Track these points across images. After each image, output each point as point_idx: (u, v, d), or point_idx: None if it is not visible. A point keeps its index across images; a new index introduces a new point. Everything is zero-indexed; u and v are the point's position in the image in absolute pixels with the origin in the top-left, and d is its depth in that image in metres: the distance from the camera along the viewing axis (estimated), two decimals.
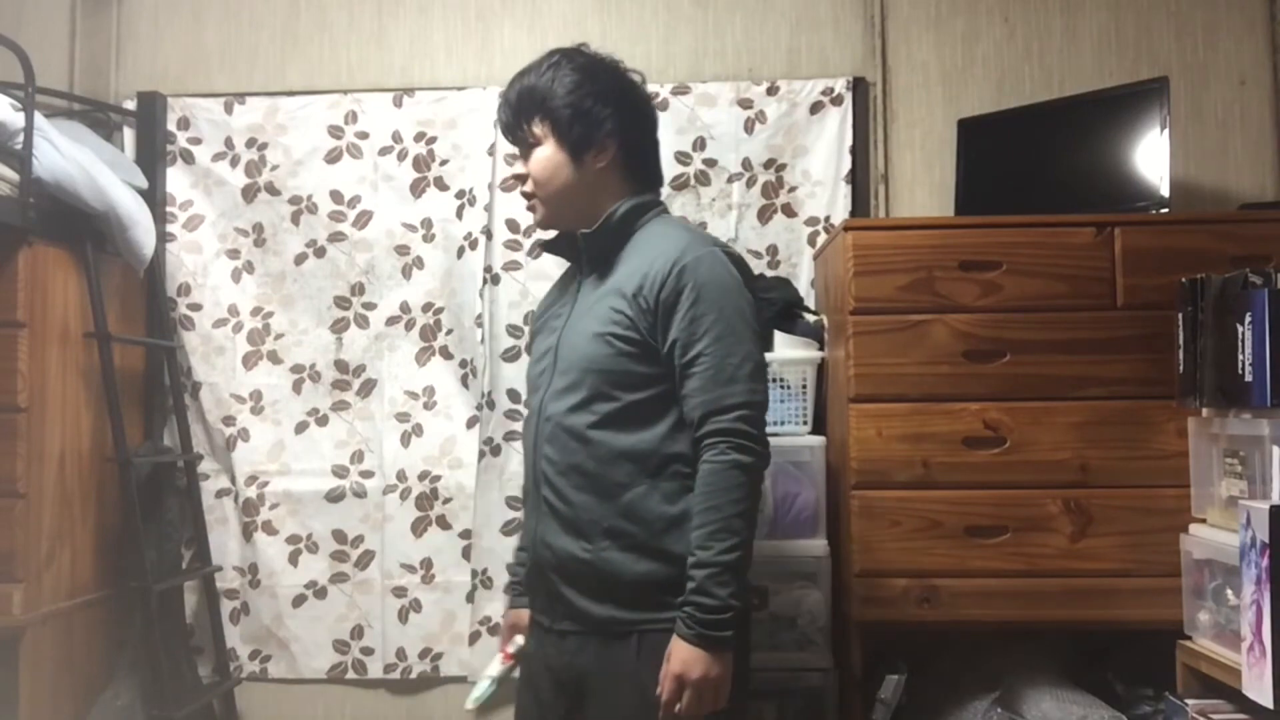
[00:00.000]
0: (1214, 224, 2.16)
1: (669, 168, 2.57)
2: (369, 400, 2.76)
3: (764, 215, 2.72)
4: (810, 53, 2.78)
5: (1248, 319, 1.82)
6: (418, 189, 2.77)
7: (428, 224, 2.76)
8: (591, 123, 1.72)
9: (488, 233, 2.72)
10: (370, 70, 2.84)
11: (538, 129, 1.75)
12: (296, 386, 2.77)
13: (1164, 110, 2.30)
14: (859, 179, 2.70)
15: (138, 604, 2.47)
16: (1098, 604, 2.10)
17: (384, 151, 2.78)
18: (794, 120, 2.72)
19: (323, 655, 2.72)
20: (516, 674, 1.88)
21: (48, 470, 2.33)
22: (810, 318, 2.49)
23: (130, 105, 2.82)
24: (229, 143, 2.80)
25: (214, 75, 2.85)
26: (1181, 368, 2.01)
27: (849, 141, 2.71)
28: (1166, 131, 2.29)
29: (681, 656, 1.55)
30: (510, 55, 2.82)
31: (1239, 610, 1.78)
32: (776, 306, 2.47)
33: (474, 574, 2.67)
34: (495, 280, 2.73)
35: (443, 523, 2.72)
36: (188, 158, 2.80)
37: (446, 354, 2.75)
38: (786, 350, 2.40)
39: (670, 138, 2.61)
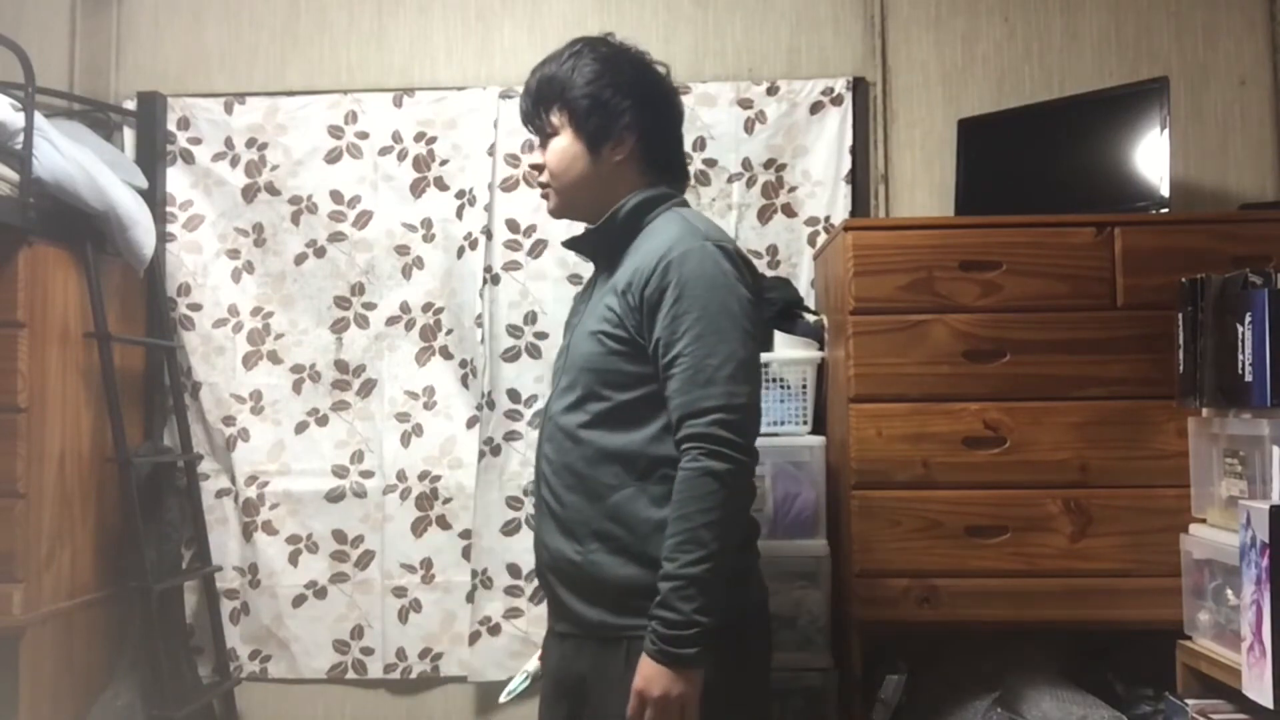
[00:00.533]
0: (1214, 224, 2.16)
1: None
2: (369, 400, 2.76)
3: (764, 215, 2.72)
4: (810, 53, 2.78)
5: (1248, 319, 1.82)
6: (418, 189, 2.77)
7: (428, 224, 2.76)
8: (609, 114, 1.67)
9: (488, 233, 2.72)
10: (370, 70, 2.84)
11: (555, 118, 1.70)
12: (296, 386, 2.77)
13: (1164, 110, 2.30)
14: (859, 179, 2.71)
15: (138, 604, 2.47)
16: (1098, 604, 2.10)
17: (384, 151, 2.78)
18: (794, 120, 2.72)
19: (323, 655, 2.72)
20: None
21: (48, 470, 2.33)
22: (810, 318, 2.49)
23: (130, 105, 2.82)
24: (229, 143, 2.80)
25: (214, 75, 2.85)
26: (1181, 368, 2.01)
27: (849, 141, 2.71)
28: (1166, 131, 2.29)
29: (644, 672, 1.49)
30: (510, 55, 2.82)
31: (1239, 610, 1.78)
32: (777, 306, 2.47)
33: (474, 574, 2.67)
34: (495, 280, 2.73)
35: (443, 523, 2.72)
36: (188, 158, 2.80)
37: (446, 354, 2.75)
38: (786, 350, 2.40)
39: None
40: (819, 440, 2.36)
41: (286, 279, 2.78)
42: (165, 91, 2.81)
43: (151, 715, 2.42)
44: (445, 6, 2.84)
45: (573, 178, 1.71)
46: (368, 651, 2.72)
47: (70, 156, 2.33)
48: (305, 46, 2.85)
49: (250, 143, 2.79)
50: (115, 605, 2.55)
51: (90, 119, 2.79)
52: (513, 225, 2.74)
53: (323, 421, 2.76)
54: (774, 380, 2.40)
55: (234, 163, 2.79)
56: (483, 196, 2.73)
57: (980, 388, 2.14)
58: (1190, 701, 1.92)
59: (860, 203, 2.70)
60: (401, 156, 2.78)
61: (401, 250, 2.76)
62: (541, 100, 1.71)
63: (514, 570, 2.67)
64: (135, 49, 2.87)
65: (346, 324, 2.77)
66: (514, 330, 2.72)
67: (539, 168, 1.75)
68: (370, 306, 2.77)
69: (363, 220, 2.77)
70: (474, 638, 2.67)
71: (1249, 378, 1.81)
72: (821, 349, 2.43)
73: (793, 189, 2.72)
